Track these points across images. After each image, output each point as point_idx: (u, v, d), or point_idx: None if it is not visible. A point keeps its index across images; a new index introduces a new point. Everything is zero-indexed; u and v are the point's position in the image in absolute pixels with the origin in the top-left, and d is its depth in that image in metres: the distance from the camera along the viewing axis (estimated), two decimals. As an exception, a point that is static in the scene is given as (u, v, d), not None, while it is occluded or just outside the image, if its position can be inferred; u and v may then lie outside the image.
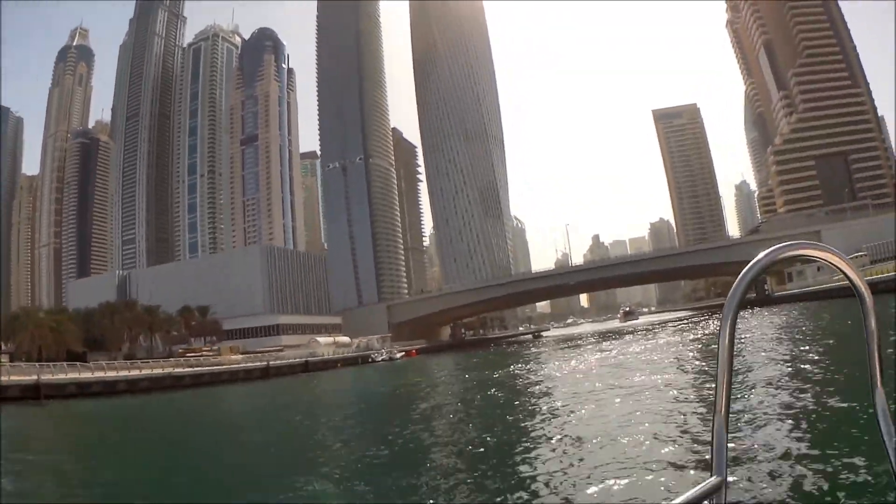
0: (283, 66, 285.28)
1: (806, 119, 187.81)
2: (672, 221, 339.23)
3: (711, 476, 1.77)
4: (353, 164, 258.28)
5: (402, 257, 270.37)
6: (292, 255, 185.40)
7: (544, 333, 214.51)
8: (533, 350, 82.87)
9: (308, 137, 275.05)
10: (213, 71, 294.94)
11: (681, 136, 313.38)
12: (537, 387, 34.12)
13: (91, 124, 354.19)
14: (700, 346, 44.48)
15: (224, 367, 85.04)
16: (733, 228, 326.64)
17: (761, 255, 1.87)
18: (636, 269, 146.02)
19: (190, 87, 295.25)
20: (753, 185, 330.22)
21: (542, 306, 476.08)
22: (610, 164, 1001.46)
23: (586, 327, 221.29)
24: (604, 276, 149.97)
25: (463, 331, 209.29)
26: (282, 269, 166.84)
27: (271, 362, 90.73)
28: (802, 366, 23.20)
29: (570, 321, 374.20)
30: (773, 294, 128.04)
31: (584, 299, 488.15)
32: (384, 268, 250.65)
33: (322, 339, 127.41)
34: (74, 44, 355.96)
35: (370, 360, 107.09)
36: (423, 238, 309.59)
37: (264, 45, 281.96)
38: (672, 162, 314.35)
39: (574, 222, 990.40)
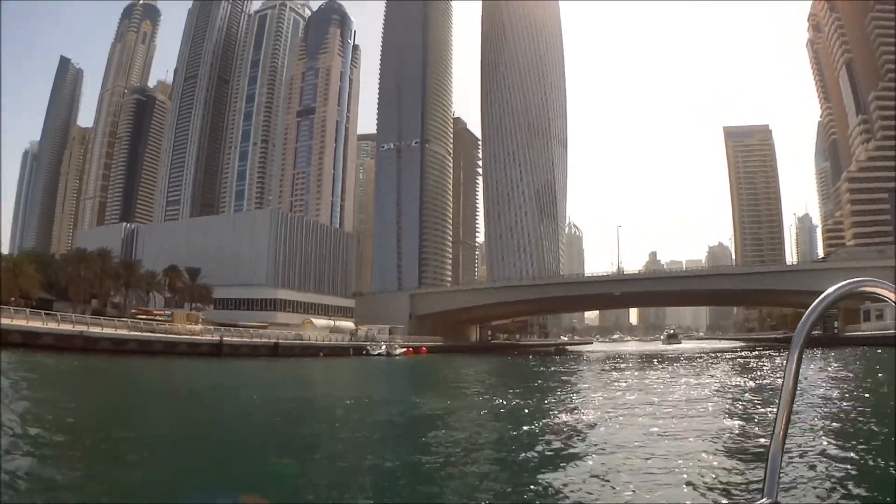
0: (349, 41, 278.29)
1: (884, 147, 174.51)
2: (731, 246, 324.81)
3: (763, 498, 1.84)
4: (409, 147, 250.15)
5: (450, 248, 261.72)
6: (310, 226, 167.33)
7: (587, 347, 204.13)
8: (556, 367, 71.22)
9: (372, 119, 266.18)
10: (276, 39, 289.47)
11: (749, 156, 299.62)
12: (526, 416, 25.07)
13: (153, 83, 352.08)
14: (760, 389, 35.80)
15: (167, 336, 73.14)
16: (792, 262, 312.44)
17: (833, 287, 1.82)
18: (688, 287, 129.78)
19: (252, 54, 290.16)
20: (816, 220, 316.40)
21: (591, 319, 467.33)
22: (673, 179, 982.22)
23: (631, 346, 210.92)
24: (651, 290, 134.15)
25: (490, 333, 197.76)
26: (293, 240, 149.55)
27: (225, 339, 78.15)
28: (858, 407, 23.82)
29: (615, 337, 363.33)
30: (841, 334, 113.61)
31: (633, 316, 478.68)
32: (429, 256, 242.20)
33: (318, 322, 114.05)
34: (141, 2, 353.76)
35: (364, 352, 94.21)
36: (477, 234, 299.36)
37: (331, 17, 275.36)
38: (738, 183, 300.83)
39: (632, 237, 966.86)
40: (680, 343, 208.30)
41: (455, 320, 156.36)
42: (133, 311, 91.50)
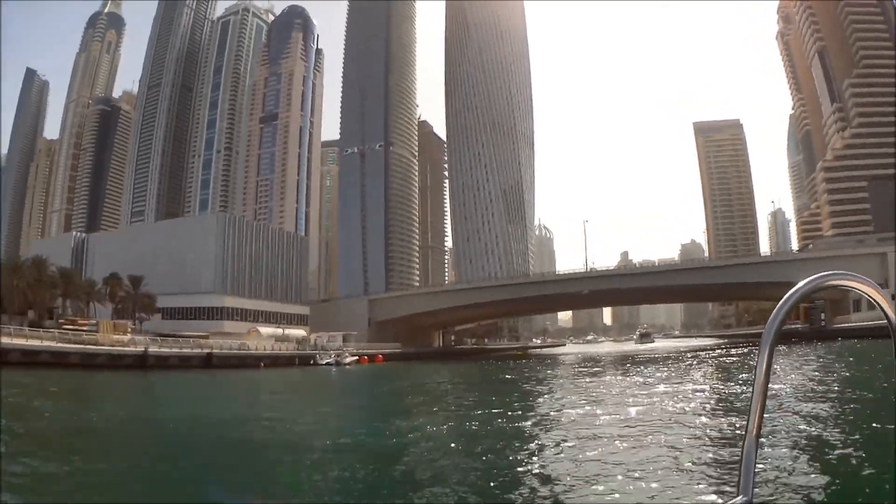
0: (312, 45, 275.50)
1: (861, 135, 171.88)
2: (704, 243, 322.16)
3: (738, 496, 1.84)
4: (372, 151, 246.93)
5: (417, 252, 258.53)
6: (262, 230, 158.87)
7: (559, 349, 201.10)
8: (515, 373, 67.75)
9: (338, 125, 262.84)
10: (239, 45, 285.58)
11: (721, 151, 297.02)
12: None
13: (118, 94, 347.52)
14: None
15: (85, 347, 67.79)
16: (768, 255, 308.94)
17: (803, 282, 1.82)
18: (660, 283, 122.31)
19: (215, 61, 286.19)
20: (789, 214, 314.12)
21: (564, 320, 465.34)
22: (644, 177, 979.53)
23: (605, 347, 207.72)
24: (622, 287, 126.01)
25: (455, 338, 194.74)
26: (243, 245, 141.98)
27: (151, 349, 73.42)
28: (834, 401, 23.91)
29: (589, 338, 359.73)
30: (829, 326, 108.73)
31: (607, 317, 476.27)
32: (395, 261, 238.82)
33: (264, 330, 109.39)
34: (106, 10, 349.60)
35: (311, 362, 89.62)
36: (446, 238, 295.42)
37: (294, 22, 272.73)
38: (710, 179, 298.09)
39: (604, 237, 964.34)
40: (653, 342, 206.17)
41: (418, 325, 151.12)
42: (61, 321, 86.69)
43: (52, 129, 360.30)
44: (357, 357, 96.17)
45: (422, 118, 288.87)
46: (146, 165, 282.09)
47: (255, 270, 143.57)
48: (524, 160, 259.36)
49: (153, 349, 74.36)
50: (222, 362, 78.17)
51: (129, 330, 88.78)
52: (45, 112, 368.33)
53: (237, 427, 24.77)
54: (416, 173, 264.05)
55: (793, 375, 36.50)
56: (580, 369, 62.20)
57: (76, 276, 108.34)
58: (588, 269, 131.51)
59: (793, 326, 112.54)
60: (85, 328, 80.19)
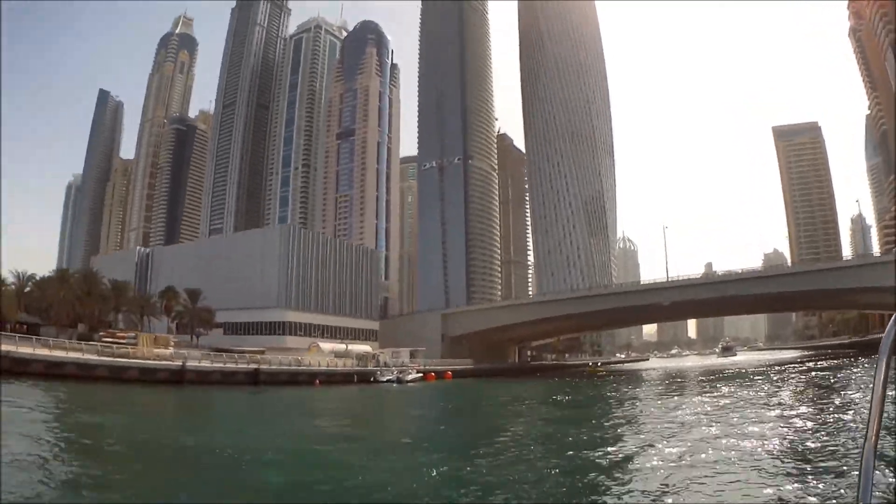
0: (387, 60, 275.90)
1: None
2: (787, 252, 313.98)
3: (858, 501, 1.90)
4: (451, 165, 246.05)
5: (499, 266, 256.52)
6: (329, 243, 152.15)
7: (643, 364, 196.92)
8: (592, 388, 63.97)
9: (414, 140, 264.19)
10: (314, 62, 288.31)
11: (801, 156, 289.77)
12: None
13: (195, 113, 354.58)
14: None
15: (115, 360, 64.90)
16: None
17: None
18: (743, 291, 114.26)
19: (289, 78, 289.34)
20: (870, 220, 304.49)
21: (649, 334, 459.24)
22: (724, 186, 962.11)
23: (689, 361, 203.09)
24: (703, 298, 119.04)
25: (532, 353, 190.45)
26: (309, 259, 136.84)
27: (190, 364, 69.14)
28: None
29: (673, 352, 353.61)
30: None
31: (692, 330, 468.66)
32: (476, 275, 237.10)
33: (325, 345, 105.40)
34: (177, 31, 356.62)
35: (372, 379, 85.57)
36: (529, 252, 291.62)
37: (367, 37, 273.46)
38: (790, 185, 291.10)
39: (687, 248, 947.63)
40: (735, 355, 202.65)
41: (494, 340, 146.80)
42: (101, 334, 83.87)
43: (127, 149, 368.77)
44: (422, 374, 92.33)
45: (501, 131, 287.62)
46: (224, 183, 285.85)
47: (321, 285, 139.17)
48: (604, 169, 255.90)
49: (192, 364, 70.34)
50: (271, 379, 74.39)
51: (172, 344, 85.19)
52: (120, 132, 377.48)
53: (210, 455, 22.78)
54: (497, 186, 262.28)
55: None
56: (657, 388, 59.33)
57: (129, 289, 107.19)
58: (668, 280, 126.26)
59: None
60: (123, 341, 77.54)
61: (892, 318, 1.86)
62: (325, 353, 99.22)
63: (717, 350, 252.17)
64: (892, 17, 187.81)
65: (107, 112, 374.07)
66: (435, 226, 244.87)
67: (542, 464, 19.57)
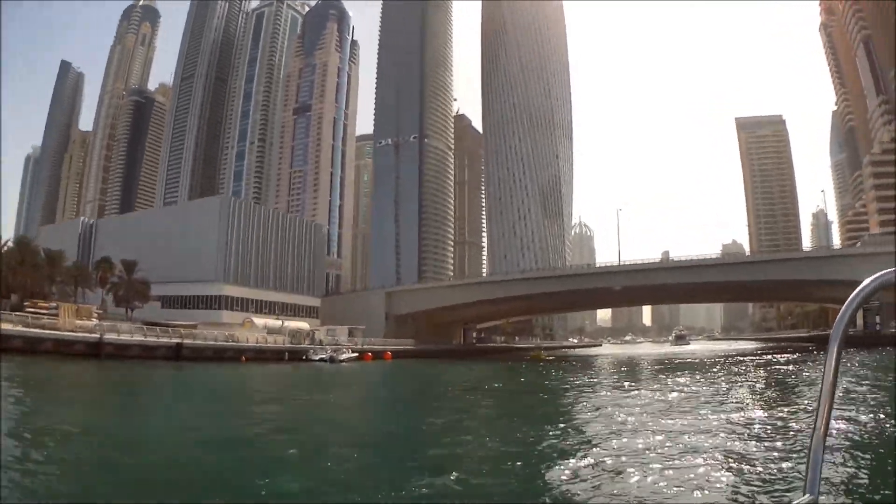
0: (347, 36, 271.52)
1: None
2: (746, 244, 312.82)
3: (805, 495, 1.87)
4: (407, 143, 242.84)
5: (451, 245, 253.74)
6: (271, 216, 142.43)
7: (594, 350, 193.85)
8: (534, 373, 59.69)
9: (372, 118, 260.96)
10: (274, 37, 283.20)
11: (763, 148, 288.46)
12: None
13: (154, 86, 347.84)
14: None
15: (28, 331, 60.58)
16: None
17: (869, 279, 1.80)
18: (697, 278, 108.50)
19: (249, 52, 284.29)
20: (832, 216, 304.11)
21: (604, 320, 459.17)
22: (686, 177, 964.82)
23: (642, 348, 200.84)
24: (657, 284, 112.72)
25: (479, 335, 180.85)
26: (249, 232, 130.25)
27: (108, 336, 65.22)
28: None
29: (627, 338, 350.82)
30: (886, 331, 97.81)
31: (646, 317, 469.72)
32: (428, 253, 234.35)
33: (260, 321, 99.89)
34: (140, 3, 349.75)
35: (304, 357, 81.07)
36: (483, 234, 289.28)
37: (328, 13, 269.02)
38: (752, 177, 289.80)
39: (645, 237, 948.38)
40: (688, 344, 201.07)
41: (442, 321, 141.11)
42: (27, 304, 78.83)
43: (87, 121, 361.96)
44: (358, 353, 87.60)
45: (460, 112, 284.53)
46: (179, 156, 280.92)
47: (262, 259, 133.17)
48: (562, 153, 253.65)
49: (111, 336, 66.59)
50: (195, 354, 70.67)
51: (95, 315, 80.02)
52: (80, 104, 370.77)
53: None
54: (452, 166, 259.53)
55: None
56: (603, 378, 54.54)
57: (63, 259, 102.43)
58: (621, 263, 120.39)
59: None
60: (45, 311, 73.22)
61: (841, 311, 1.89)
62: (259, 329, 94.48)
63: (670, 338, 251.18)
64: (865, 12, 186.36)
65: (67, 83, 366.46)
66: (388, 204, 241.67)
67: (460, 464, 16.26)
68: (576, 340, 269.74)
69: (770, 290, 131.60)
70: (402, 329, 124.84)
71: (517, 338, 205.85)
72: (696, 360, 77.21)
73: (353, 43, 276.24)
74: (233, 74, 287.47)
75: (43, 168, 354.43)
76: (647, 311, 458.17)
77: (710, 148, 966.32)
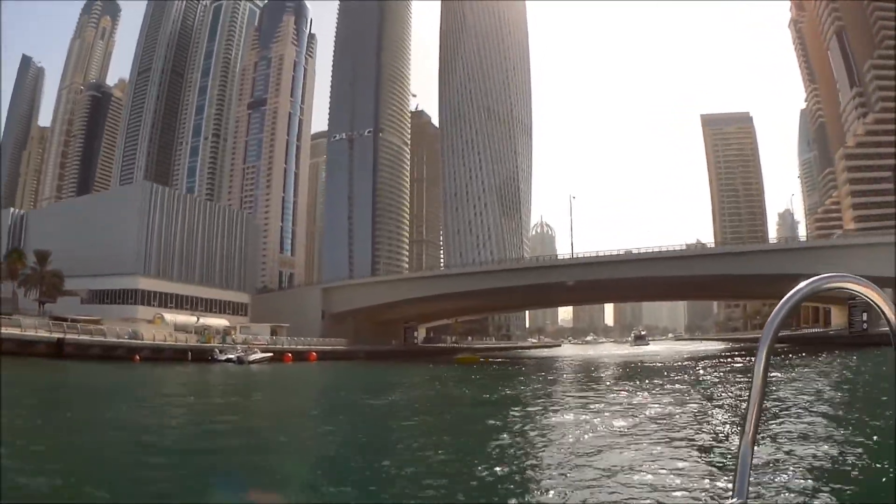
0: (304, 29, 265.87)
1: (884, 120, 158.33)
2: (712, 243, 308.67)
3: (733, 498, 1.86)
4: (361, 137, 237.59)
5: (406, 243, 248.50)
6: (199, 206, 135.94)
7: (551, 351, 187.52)
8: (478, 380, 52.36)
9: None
10: (231, 30, 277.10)
11: (728, 146, 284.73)
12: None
13: (114, 81, 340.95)
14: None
15: None
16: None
17: (802, 283, 1.81)
18: (657, 272, 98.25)
19: (206, 46, 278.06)
20: (798, 215, 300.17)
21: (565, 320, 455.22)
22: (650, 175, 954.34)
23: (603, 349, 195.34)
24: (614, 278, 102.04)
25: (430, 336, 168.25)
26: (173, 222, 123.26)
27: None
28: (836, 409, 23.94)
29: (589, 338, 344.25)
30: (873, 330, 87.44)
31: (608, 317, 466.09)
32: (382, 250, 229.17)
33: (171, 317, 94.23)
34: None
35: (210, 357, 74.86)
36: (442, 232, 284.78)
37: (286, 6, 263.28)
38: (717, 174, 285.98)
39: (609, 236, 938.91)
40: (647, 345, 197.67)
41: (385, 320, 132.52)
42: None
43: (46, 117, 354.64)
44: (272, 354, 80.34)
45: (419, 108, 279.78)
46: (133, 152, 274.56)
47: (187, 251, 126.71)
48: (521, 149, 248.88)
49: None
50: (80, 352, 65.38)
51: None
52: (40, 99, 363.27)
53: None
54: (408, 162, 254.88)
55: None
56: (545, 385, 45.97)
57: None
58: (573, 256, 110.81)
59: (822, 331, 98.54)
60: None
61: (773, 312, 1.86)
62: (169, 326, 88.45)
63: (629, 339, 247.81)
64: (839, 3, 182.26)
65: (28, 78, 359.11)
66: (342, 200, 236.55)
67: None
68: (535, 340, 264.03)
69: (737, 286, 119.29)
70: (339, 328, 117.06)
71: (470, 338, 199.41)
72: (656, 364, 70.00)
73: (311, 37, 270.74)
74: (189, 69, 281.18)
75: (2, 166, 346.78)
76: (609, 310, 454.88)
77: (676, 148, 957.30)
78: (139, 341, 74.78)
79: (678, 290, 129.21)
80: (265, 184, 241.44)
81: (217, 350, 77.54)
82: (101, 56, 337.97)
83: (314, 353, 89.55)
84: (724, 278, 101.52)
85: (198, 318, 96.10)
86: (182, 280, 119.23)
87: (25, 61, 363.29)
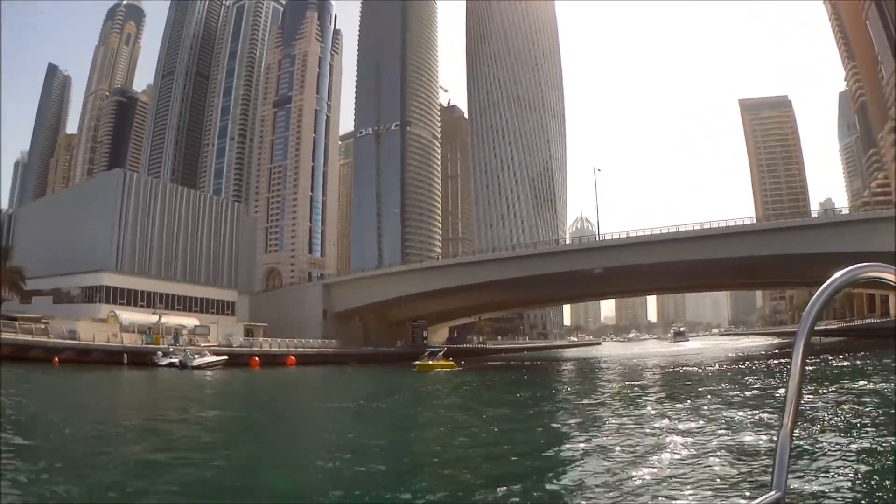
0: (329, 25, 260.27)
1: None
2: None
3: (771, 491, 1.83)
4: (388, 132, 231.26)
5: (439, 240, 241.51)
6: (182, 196, 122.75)
7: (594, 349, 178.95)
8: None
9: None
10: (254, 29, 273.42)
11: (768, 132, 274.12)
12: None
13: (142, 87, 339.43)
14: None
15: None
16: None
17: (839, 273, 1.80)
18: (694, 255, 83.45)
19: (230, 46, 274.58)
20: (840, 203, 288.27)
21: (607, 317, 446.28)
22: (685, 161, 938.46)
23: (646, 346, 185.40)
24: (646, 264, 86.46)
25: (426, 335, 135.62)
26: (151, 214, 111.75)
27: None
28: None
29: (631, 336, 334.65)
30: None
31: (652, 312, 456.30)
32: (413, 248, 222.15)
33: (127, 315, 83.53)
34: (124, 2, 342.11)
35: (151, 361, 65.24)
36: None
37: (308, 3, 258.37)
38: (758, 162, 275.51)
39: (643, 226, 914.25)
40: (687, 341, 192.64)
41: (398, 320, 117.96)
42: None
43: (74, 124, 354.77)
44: (225, 357, 69.12)
45: (452, 104, 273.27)
46: (160, 156, 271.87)
47: (167, 245, 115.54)
48: (554, 137, 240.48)
49: None
50: (19, 353, 58.30)
51: None
52: (67, 107, 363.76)
53: None
54: (439, 156, 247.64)
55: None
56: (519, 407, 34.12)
57: None
58: (599, 240, 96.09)
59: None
60: None
61: (810, 302, 1.86)
62: (124, 325, 78.73)
63: (669, 335, 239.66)
64: None
65: (55, 87, 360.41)
66: (370, 196, 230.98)
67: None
68: (574, 339, 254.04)
69: (783, 270, 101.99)
70: (346, 329, 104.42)
71: (500, 337, 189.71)
72: (698, 367, 58.08)
73: (336, 33, 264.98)
74: (214, 69, 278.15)
75: (31, 174, 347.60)
76: (651, 307, 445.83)
77: (713, 135, 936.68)
78: (67, 341, 66.30)
79: (719, 276, 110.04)
80: (292, 183, 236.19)
81: (160, 353, 67.78)
82: (127, 62, 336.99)
83: (292, 357, 78.45)
84: (769, 261, 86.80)
85: (160, 317, 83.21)
86: (160, 276, 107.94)
87: (51, 70, 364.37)
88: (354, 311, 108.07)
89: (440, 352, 76.54)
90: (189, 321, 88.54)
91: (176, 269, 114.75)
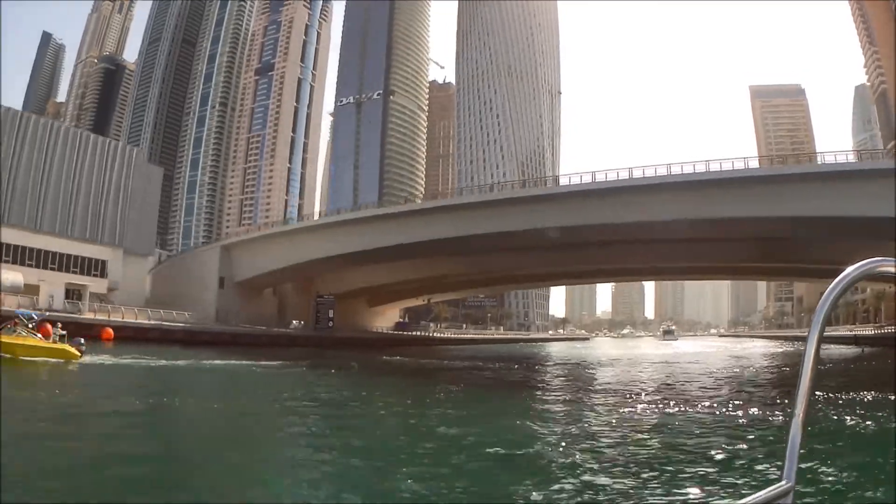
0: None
1: None
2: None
3: (782, 480, 1.83)
4: (370, 101, 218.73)
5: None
6: (62, 138, 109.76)
7: (585, 343, 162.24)
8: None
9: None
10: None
11: (779, 120, 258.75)
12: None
13: (134, 56, 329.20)
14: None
15: None
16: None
17: (852, 267, 1.78)
18: (681, 214, 53.11)
19: (217, 13, 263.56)
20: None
21: (604, 312, 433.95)
22: (698, 148, 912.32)
23: (635, 343, 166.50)
24: (616, 222, 56.73)
25: (331, 315, 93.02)
26: (18, 156, 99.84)
27: None
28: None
29: (625, 332, 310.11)
30: None
31: (649, 309, 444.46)
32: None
33: None
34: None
35: None
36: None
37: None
38: (767, 150, 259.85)
39: None
40: (676, 339, 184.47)
41: (319, 292, 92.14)
42: None
43: (65, 92, 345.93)
44: None
45: (447, 81, 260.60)
46: (140, 124, 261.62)
47: (53, 195, 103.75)
48: (547, 113, 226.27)
49: None
50: None
51: None
52: (59, 75, 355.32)
53: None
54: (424, 130, 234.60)
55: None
56: None
57: None
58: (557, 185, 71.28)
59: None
60: None
61: (828, 290, 1.82)
62: None
63: (658, 333, 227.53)
64: None
65: (48, 55, 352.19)
66: (347, 170, 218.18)
67: None
68: (559, 332, 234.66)
69: (807, 248, 65.26)
70: (255, 304, 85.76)
71: (465, 325, 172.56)
72: (686, 375, 41.99)
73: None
74: (200, 37, 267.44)
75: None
76: (649, 303, 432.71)
77: (724, 121, 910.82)
78: None
79: (726, 254, 67.67)
80: (269, 153, 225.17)
81: None
82: (118, 29, 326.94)
83: (109, 330, 57.34)
84: (790, 225, 55.08)
85: None
86: (25, 227, 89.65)
87: (45, 37, 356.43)
88: (264, 279, 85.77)
89: (31, 322, 34.45)
90: (14, 276, 67.37)
91: (55, 221, 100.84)
